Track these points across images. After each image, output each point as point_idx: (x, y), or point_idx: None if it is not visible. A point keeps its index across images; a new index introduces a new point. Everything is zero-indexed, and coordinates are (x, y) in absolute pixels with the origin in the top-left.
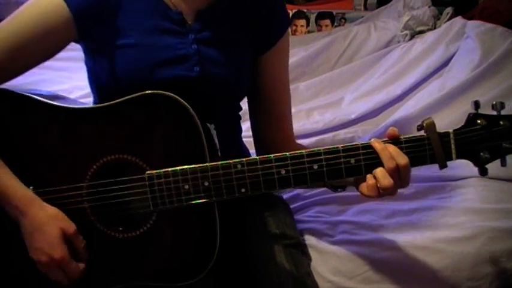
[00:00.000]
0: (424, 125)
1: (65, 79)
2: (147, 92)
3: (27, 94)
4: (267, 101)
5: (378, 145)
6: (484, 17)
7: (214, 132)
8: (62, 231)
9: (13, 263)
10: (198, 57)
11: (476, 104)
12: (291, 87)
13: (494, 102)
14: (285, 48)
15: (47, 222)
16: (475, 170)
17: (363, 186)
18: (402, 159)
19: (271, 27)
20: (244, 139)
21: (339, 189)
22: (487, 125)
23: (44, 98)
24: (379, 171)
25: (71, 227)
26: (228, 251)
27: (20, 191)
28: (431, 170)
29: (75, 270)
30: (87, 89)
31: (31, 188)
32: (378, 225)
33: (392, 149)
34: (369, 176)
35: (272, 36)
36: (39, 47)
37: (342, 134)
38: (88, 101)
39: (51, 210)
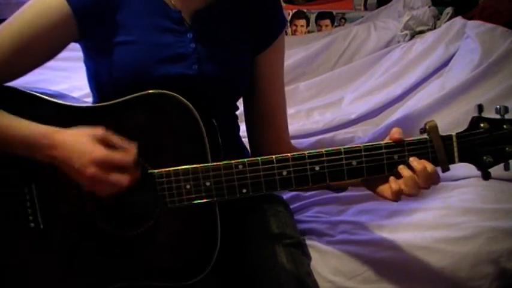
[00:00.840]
0: (427, 127)
1: (64, 79)
2: (150, 91)
3: (33, 92)
4: (261, 101)
5: (417, 165)
6: (484, 17)
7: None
8: (91, 137)
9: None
10: (196, 56)
11: (480, 108)
12: (291, 87)
13: (498, 106)
14: (280, 49)
15: (75, 139)
16: (475, 170)
17: (387, 191)
18: (438, 178)
19: (271, 27)
20: (242, 139)
21: (339, 190)
22: (490, 128)
23: (49, 96)
24: (409, 180)
25: (97, 129)
26: (228, 250)
27: (40, 129)
28: None
29: (124, 158)
30: (87, 89)
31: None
32: (377, 225)
33: (430, 168)
34: (392, 180)
35: (271, 36)
36: (40, 47)
37: (342, 134)
38: (88, 101)
39: (73, 129)
